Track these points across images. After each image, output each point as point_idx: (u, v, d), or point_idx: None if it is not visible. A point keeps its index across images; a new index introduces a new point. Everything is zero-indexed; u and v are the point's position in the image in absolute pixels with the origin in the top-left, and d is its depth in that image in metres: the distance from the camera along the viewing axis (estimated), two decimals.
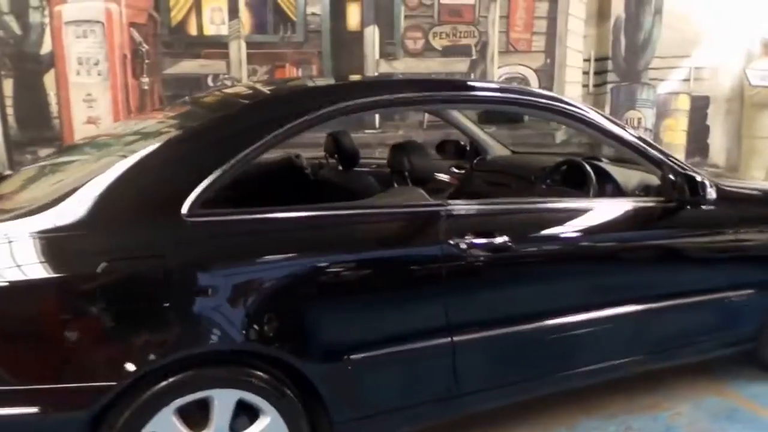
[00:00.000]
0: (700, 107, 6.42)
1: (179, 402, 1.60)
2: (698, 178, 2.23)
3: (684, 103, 6.40)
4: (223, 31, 4.30)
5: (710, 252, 2.40)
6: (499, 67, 5.60)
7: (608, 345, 2.23)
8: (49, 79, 3.88)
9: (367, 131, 5.22)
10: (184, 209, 1.64)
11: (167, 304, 1.60)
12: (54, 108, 3.87)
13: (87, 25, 3.68)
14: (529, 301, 2.04)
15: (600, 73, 6.05)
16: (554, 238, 2.10)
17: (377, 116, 5.18)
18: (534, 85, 5.83)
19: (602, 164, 2.60)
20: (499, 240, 1.93)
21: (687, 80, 6.33)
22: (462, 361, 1.94)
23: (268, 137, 1.77)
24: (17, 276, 1.49)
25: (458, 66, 5.45)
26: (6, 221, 1.55)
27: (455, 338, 1.90)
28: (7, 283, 1.47)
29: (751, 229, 2.46)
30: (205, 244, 1.68)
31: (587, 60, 6.00)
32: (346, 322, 1.79)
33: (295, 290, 1.73)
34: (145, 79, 4.02)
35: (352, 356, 1.77)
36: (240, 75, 4.68)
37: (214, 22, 4.20)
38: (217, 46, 4.36)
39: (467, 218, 1.97)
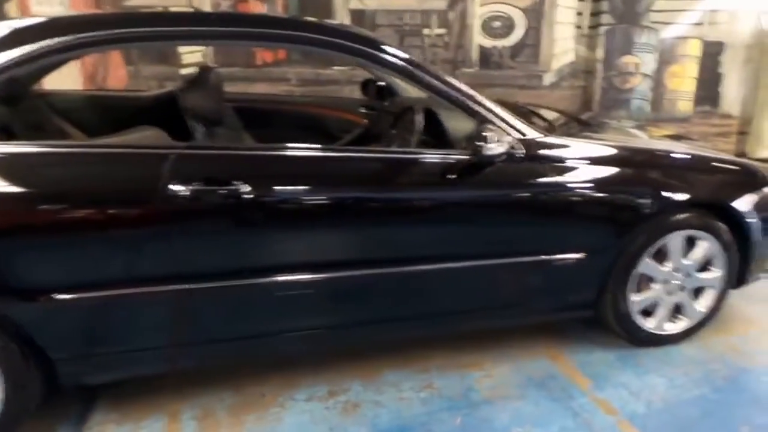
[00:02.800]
0: (712, 53, 5.52)
1: None
2: (483, 131, 1.84)
3: (695, 49, 5.52)
4: None
5: (521, 211, 2.00)
6: (481, 5, 4.99)
7: (377, 305, 1.97)
8: (12, 8, 3.80)
9: (336, 68, 4.86)
10: None
11: None
12: None
13: None
14: (276, 253, 1.79)
15: (596, 14, 5.27)
16: (310, 190, 1.79)
17: None
18: (522, 26, 5.21)
19: (440, 112, 2.20)
20: (236, 189, 1.67)
21: (700, 24, 5.41)
22: (190, 310, 1.75)
23: None
24: None
25: (435, 3, 4.90)
26: None
27: (185, 286, 1.71)
28: None
29: (577, 190, 2.02)
30: None
31: (582, 0, 5.23)
32: (53, 262, 1.62)
33: None
34: (108, 10, 3.88)
35: (60, 296, 1.62)
36: (203, 8, 4.45)
37: None
38: None
39: (201, 164, 1.71)
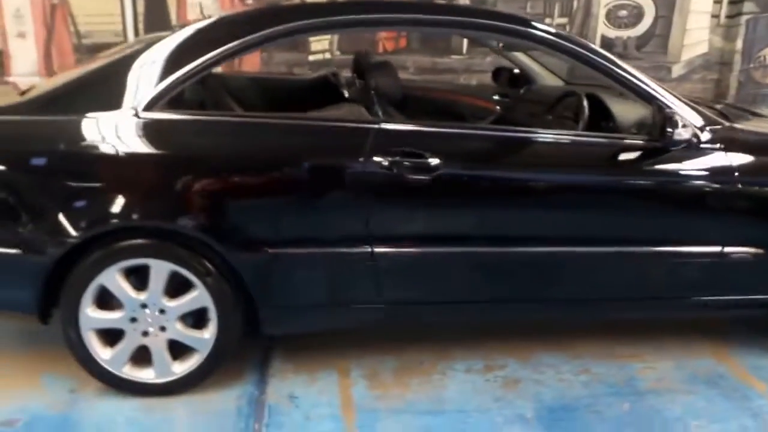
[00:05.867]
0: None
1: (122, 264, 1.78)
2: (673, 117, 1.81)
3: None
4: None
5: (701, 200, 1.94)
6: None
7: (548, 283, 1.98)
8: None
9: (453, 56, 4.90)
10: (141, 107, 1.77)
11: (111, 184, 1.76)
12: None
13: None
14: (456, 225, 1.87)
15: (735, 2, 4.95)
16: (491, 167, 1.88)
17: (465, 42, 4.84)
18: (651, 15, 4.99)
19: (605, 98, 2.18)
20: (429, 161, 1.77)
21: None
22: (382, 272, 1.85)
23: (212, 54, 1.81)
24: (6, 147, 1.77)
25: None
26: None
27: (375, 249, 1.82)
28: None
29: (758, 180, 1.94)
30: (154, 138, 1.78)
31: None
32: (269, 218, 1.80)
33: (225, 185, 1.79)
34: (251, 0, 4.25)
35: (272, 250, 1.80)
36: None
37: None
38: None
39: (399, 138, 1.83)
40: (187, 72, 1.80)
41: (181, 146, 1.80)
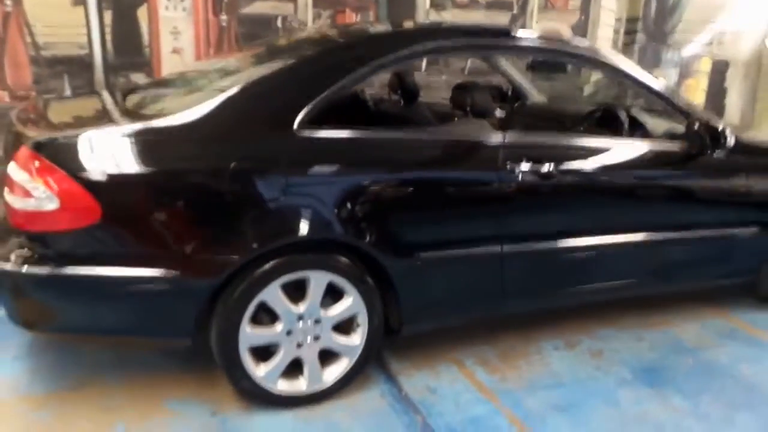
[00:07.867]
0: (719, 70, 6.31)
1: (284, 279, 1.82)
2: (720, 128, 2.32)
3: (706, 66, 6.30)
4: None
5: (722, 193, 2.50)
6: (537, 22, 5.54)
7: (628, 265, 2.38)
8: (142, 13, 4.02)
9: (414, 73, 5.25)
10: (295, 125, 1.83)
11: (279, 200, 1.79)
12: (145, 38, 4.03)
13: None
14: (565, 221, 2.19)
15: (630, 32, 5.95)
16: (591, 169, 2.22)
17: (424, 61, 5.23)
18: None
19: (633, 112, 2.68)
20: (546, 167, 2.07)
21: (710, 44, 6.21)
22: (508, 267, 2.11)
23: (359, 71, 1.95)
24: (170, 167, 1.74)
25: (500, 19, 5.39)
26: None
27: (504, 248, 2.07)
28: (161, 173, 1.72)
29: (759, 175, 2.53)
30: (311, 154, 1.86)
31: (619, 19, 5.90)
32: (420, 226, 1.98)
33: (381, 197, 1.93)
34: (224, 17, 4.14)
35: (421, 254, 1.97)
36: (306, 18, 4.72)
37: None
38: None
39: (521, 147, 2.11)
40: (337, 87, 1.90)
41: (342, 162, 1.90)
